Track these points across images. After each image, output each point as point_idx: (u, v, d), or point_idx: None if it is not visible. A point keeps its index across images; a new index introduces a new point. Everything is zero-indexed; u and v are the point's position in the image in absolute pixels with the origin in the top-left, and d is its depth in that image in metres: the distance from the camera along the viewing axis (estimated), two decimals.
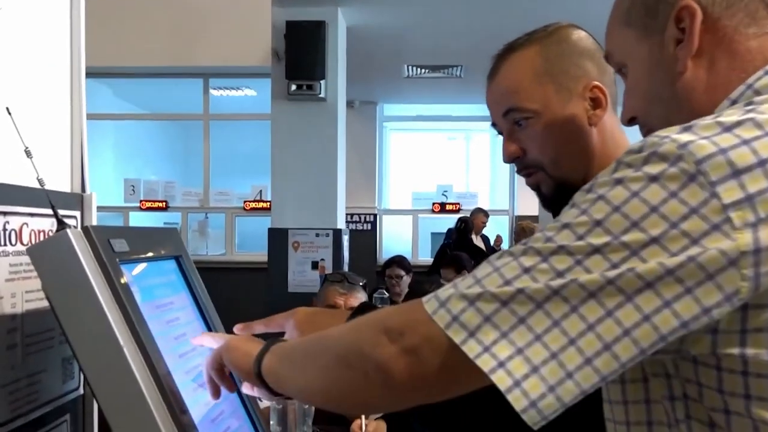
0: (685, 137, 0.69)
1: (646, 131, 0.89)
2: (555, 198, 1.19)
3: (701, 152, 0.67)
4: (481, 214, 7.98)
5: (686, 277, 0.65)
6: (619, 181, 0.70)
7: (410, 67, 7.58)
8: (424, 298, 0.76)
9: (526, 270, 0.71)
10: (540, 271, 0.70)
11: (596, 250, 0.68)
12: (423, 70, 7.67)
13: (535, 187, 1.22)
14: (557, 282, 0.69)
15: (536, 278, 0.70)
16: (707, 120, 0.71)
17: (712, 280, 0.65)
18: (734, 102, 0.77)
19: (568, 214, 0.73)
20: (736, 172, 0.66)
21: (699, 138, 0.68)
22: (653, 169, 0.68)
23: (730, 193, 0.65)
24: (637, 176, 0.69)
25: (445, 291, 0.74)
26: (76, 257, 0.97)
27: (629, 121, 0.93)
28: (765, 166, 0.66)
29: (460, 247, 6.52)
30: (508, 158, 1.21)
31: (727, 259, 0.65)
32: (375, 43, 6.52)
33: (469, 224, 7.59)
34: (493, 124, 1.24)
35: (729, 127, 0.69)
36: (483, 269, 0.74)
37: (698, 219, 0.65)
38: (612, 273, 0.67)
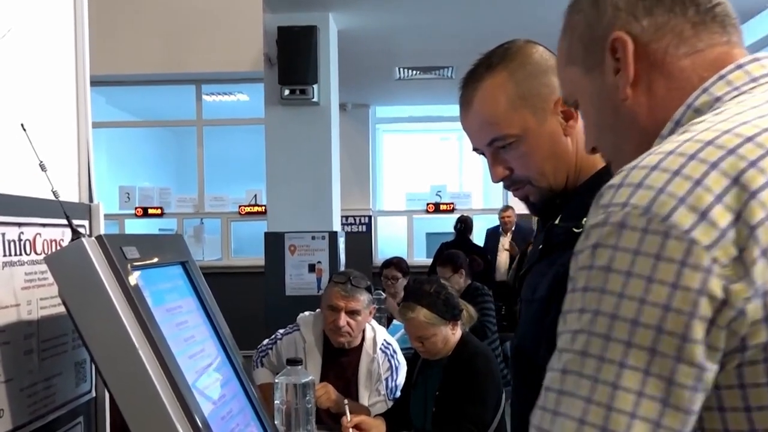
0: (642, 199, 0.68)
1: (606, 159, 0.94)
2: (543, 205, 1.28)
3: (665, 209, 0.66)
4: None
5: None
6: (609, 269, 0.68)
7: (401, 69, 7.63)
8: None
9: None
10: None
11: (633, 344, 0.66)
12: (414, 72, 7.72)
13: (524, 198, 1.30)
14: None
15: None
16: (652, 168, 0.70)
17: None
18: (678, 122, 0.80)
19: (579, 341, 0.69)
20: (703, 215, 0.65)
21: (655, 193, 0.67)
22: (629, 242, 0.67)
23: (705, 236, 0.65)
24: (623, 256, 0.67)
25: None
26: (92, 265, 1.02)
27: (592, 151, 0.96)
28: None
29: (459, 246, 6.55)
30: (497, 179, 1.28)
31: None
32: (366, 46, 6.57)
33: (468, 224, 7.62)
34: (476, 149, 1.30)
35: (676, 171, 0.68)
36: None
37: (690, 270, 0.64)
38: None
